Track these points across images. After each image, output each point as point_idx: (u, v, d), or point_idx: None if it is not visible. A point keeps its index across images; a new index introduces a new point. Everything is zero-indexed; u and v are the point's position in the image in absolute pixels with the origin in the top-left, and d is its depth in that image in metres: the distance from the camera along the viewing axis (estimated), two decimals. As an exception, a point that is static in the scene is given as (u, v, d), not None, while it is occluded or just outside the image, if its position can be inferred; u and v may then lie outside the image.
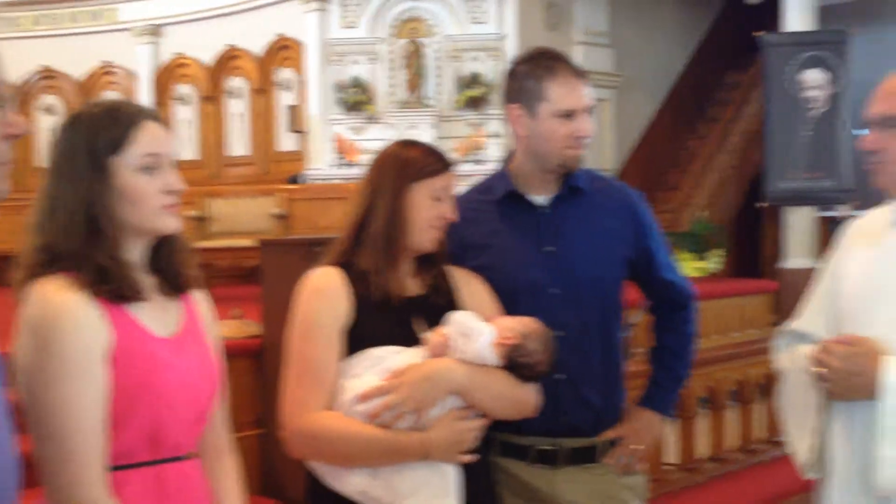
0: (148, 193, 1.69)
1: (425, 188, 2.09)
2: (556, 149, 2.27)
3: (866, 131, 2.03)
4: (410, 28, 9.84)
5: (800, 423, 2.07)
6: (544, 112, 2.27)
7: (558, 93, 2.25)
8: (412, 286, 2.13)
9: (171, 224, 1.74)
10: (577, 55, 10.18)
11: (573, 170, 2.32)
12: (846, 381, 1.87)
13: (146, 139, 1.70)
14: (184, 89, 11.35)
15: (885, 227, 2.06)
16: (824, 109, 9.54)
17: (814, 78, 9.57)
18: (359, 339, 2.03)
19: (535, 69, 2.28)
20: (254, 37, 10.68)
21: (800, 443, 2.07)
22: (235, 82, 11.09)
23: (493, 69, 9.60)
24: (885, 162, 1.99)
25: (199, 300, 1.87)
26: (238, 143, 11.07)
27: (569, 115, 2.26)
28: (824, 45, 9.59)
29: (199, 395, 1.76)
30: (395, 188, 2.08)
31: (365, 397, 1.94)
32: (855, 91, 9.32)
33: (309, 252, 3.49)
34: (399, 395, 1.92)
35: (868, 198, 2.31)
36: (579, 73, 2.30)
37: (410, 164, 2.10)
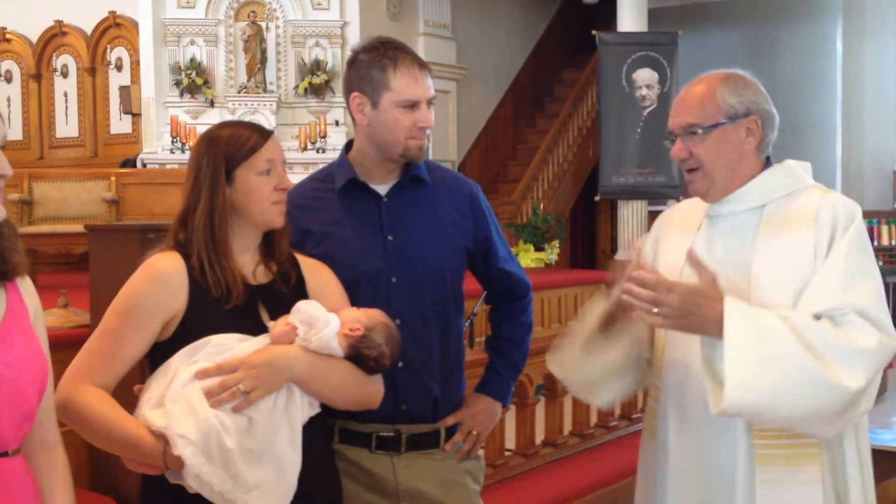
0: None
1: (250, 168, 2.03)
2: (399, 139, 2.27)
3: (671, 142, 2.09)
4: (250, 11, 9.64)
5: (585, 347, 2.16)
6: (387, 102, 2.26)
7: (402, 83, 2.25)
8: (259, 273, 2.08)
9: None
10: (420, 46, 10.25)
11: (416, 160, 2.32)
12: (685, 319, 1.90)
13: None
14: (6, 65, 10.74)
15: (700, 218, 2.15)
16: (654, 107, 9.98)
17: (645, 77, 9.99)
18: (197, 328, 1.97)
19: (378, 58, 2.27)
20: (83, 13, 10.21)
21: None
22: (63, 60, 10.57)
23: (335, 57, 9.52)
24: (697, 169, 2.06)
25: (26, 289, 1.75)
26: (66, 123, 10.55)
27: (412, 105, 2.26)
28: (655, 45, 10.03)
29: (26, 394, 1.65)
30: (215, 177, 2.02)
31: (203, 373, 1.89)
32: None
33: (141, 239, 3.36)
34: (238, 374, 1.89)
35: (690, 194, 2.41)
36: (422, 64, 2.31)
37: (225, 147, 2.03)
